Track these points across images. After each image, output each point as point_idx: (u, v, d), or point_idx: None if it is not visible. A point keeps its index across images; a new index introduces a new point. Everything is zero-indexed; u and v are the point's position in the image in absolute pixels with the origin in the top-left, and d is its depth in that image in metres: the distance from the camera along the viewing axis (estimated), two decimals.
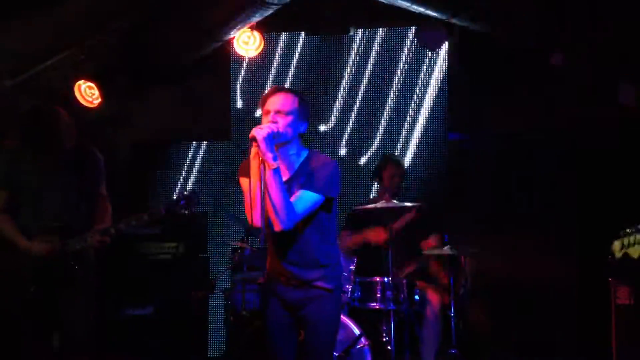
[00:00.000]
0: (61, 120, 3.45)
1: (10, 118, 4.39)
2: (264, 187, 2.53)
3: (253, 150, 2.55)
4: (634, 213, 4.22)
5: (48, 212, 3.37)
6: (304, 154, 2.73)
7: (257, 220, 2.55)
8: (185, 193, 3.33)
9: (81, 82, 4.71)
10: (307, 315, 2.69)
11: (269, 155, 2.52)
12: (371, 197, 4.90)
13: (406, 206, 4.08)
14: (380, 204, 4.01)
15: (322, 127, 5.28)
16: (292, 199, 2.60)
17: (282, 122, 2.63)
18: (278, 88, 2.73)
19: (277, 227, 2.57)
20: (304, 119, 2.71)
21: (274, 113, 2.64)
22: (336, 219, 2.78)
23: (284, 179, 2.65)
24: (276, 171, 2.54)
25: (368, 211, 4.13)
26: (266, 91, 2.74)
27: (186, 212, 3.32)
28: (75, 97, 4.72)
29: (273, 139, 2.56)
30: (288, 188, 2.63)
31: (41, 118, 3.44)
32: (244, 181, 2.66)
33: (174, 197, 3.35)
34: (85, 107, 4.75)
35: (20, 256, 3.31)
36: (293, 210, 2.58)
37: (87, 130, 3.75)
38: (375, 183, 4.86)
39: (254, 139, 2.52)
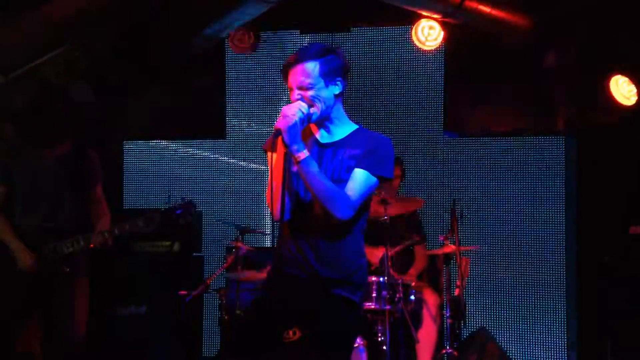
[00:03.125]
0: (57, 118, 3.43)
1: (4, 114, 4.36)
2: (304, 181, 2.22)
3: (270, 139, 2.25)
4: (632, 212, 4.25)
5: (41, 212, 3.35)
6: (354, 126, 2.40)
7: (277, 215, 2.25)
8: (181, 202, 3.32)
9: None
10: (322, 332, 2.27)
11: (294, 147, 2.20)
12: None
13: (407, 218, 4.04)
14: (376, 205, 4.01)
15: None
16: (349, 180, 2.25)
17: (308, 97, 2.28)
18: (294, 60, 2.32)
19: (335, 219, 2.21)
20: (334, 77, 2.32)
21: (297, 90, 2.30)
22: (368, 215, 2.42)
23: (328, 141, 2.34)
24: (306, 161, 2.20)
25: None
26: (285, 63, 2.37)
27: (182, 221, 3.31)
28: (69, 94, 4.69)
29: (302, 124, 2.25)
30: (332, 153, 2.31)
31: (37, 115, 3.42)
32: (268, 157, 2.32)
33: (171, 206, 3.32)
34: (80, 105, 4.71)
35: (11, 256, 3.28)
36: (345, 196, 2.22)
37: (81, 128, 3.73)
38: None
39: (279, 132, 2.20)
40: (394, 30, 5.17)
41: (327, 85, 2.31)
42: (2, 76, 4.45)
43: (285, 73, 2.34)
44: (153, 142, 5.44)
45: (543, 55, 4.70)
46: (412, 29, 4.90)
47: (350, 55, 5.24)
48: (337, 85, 2.34)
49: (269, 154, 2.31)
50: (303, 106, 2.28)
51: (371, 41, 5.21)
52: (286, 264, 2.34)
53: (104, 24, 4.48)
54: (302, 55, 2.32)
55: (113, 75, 4.87)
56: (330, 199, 2.21)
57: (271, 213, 2.31)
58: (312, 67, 2.30)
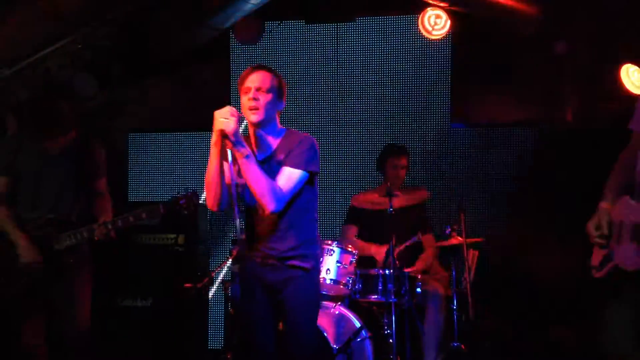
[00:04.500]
0: (61, 110, 3.41)
1: (7, 107, 4.36)
2: (243, 175, 2.53)
3: (214, 137, 2.54)
4: None
5: (45, 203, 3.34)
6: (282, 132, 2.73)
7: (211, 204, 2.64)
8: (184, 193, 3.30)
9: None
10: (286, 299, 2.66)
11: (237, 144, 2.51)
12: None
13: (413, 209, 4.02)
14: (380, 198, 3.98)
15: (321, 115, 5.22)
16: (277, 178, 2.60)
17: (263, 100, 2.63)
18: (256, 66, 2.72)
19: (268, 210, 2.57)
20: (282, 96, 2.72)
21: (255, 90, 2.63)
22: (317, 197, 2.78)
23: (262, 158, 2.67)
24: (249, 156, 2.53)
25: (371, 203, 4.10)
26: (244, 71, 2.73)
27: (186, 212, 3.30)
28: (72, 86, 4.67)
29: (239, 127, 2.53)
30: (268, 167, 2.62)
31: (41, 108, 3.41)
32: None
33: (175, 196, 3.30)
34: (84, 97, 4.69)
35: (14, 247, 3.28)
36: (280, 190, 2.57)
37: (85, 119, 3.71)
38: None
39: (223, 133, 2.51)
40: (400, 20, 5.11)
41: (277, 99, 2.68)
42: (5, 69, 4.44)
43: (245, 75, 2.67)
44: (157, 134, 5.42)
45: (552, 44, 4.63)
46: (418, 17, 4.85)
47: (356, 45, 5.19)
48: (282, 103, 2.73)
49: (215, 149, 2.60)
50: (234, 110, 2.53)
51: (377, 30, 5.16)
52: (250, 256, 2.71)
53: (106, 15, 4.45)
54: (265, 66, 2.72)
55: (117, 66, 4.85)
56: (267, 193, 2.54)
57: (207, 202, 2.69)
58: (272, 78, 2.68)
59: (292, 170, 2.61)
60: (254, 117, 2.64)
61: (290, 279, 2.66)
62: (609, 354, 2.59)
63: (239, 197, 2.61)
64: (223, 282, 4.54)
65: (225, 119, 2.51)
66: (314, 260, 2.74)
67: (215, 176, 2.60)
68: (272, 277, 2.68)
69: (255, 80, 2.65)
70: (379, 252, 4.10)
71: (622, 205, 2.63)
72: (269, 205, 2.55)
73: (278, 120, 2.74)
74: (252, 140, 2.71)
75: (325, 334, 3.73)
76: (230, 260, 4.53)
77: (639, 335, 2.52)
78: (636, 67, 4.11)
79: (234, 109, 2.53)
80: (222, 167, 2.60)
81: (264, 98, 2.64)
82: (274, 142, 2.71)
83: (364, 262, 4.13)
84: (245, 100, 2.65)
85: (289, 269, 2.67)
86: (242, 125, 2.64)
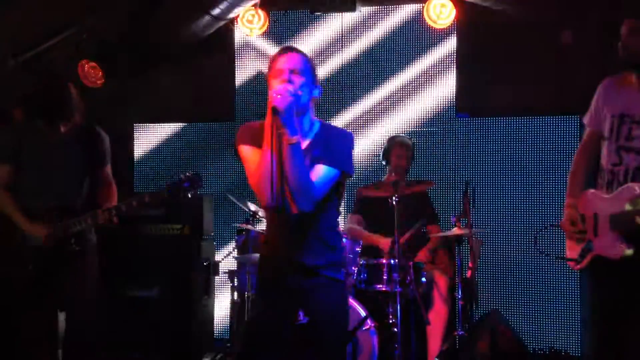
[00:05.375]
0: (72, 93, 3.42)
1: (13, 98, 4.36)
2: (283, 164, 2.23)
3: (268, 118, 2.22)
4: None
5: (51, 191, 3.35)
6: (317, 124, 2.45)
7: (270, 200, 2.28)
8: (188, 175, 3.28)
9: (84, 62, 4.66)
10: (314, 309, 2.40)
11: (290, 128, 2.21)
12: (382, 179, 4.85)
13: (418, 197, 4.01)
14: (387, 187, 3.97)
15: (328, 106, 5.21)
16: (311, 174, 2.31)
17: (298, 81, 2.32)
18: (287, 47, 2.41)
19: (296, 209, 2.29)
20: (316, 81, 2.43)
21: (289, 72, 2.33)
22: (341, 202, 2.58)
23: None
24: (297, 147, 2.23)
25: (378, 197, 4.10)
26: (272, 54, 2.42)
27: (189, 194, 3.27)
28: (78, 77, 4.68)
29: (294, 108, 2.23)
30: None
31: (52, 90, 3.40)
32: (248, 151, 2.38)
33: (177, 179, 3.28)
34: (89, 87, 4.71)
35: (19, 234, 3.29)
36: (314, 189, 2.29)
37: (90, 110, 3.71)
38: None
39: (275, 110, 2.19)
40: (405, 9, 5.09)
41: (312, 81, 2.40)
42: (10, 59, 4.45)
43: (277, 56, 2.38)
44: (163, 125, 5.42)
45: (559, 33, 4.60)
46: (423, 7, 4.83)
47: (361, 35, 5.17)
48: (317, 89, 2.43)
49: (245, 147, 2.37)
50: (290, 88, 2.27)
51: (382, 20, 5.13)
52: (273, 255, 2.46)
53: (112, 5, 4.45)
54: (297, 48, 2.42)
55: (122, 57, 4.85)
56: (303, 190, 2.27)
57: (261, 201, 2.36)
58: (306, 61, 2.40)
59: (328, 169, 2.34)
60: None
61: (320, 287, 2.41)
62: (599, 330, 2.72)
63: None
64: (228, 272, 4.55)
65: (280, 94, 2.21)
66: (344, 267, 2.52)
67: (269, 167, 2.24)
68: (299, 285, 2.41)
69: (287, 61, 2.34)
70: (385, 242, 4.10)
71: (591, 198, 2.76)
72: (301, 203, 2.27)
73: (313, 109, 2.44)
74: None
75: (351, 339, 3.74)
76: (235, 250, 4.54)
77: (624, 312, 2.66)
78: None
79: (292, 87, 2.25)
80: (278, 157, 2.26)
81: (299, 80, 2.33)
82: (308, 134, 2.42)
83: (370, 251, 4.13)
84: (276, 85, 2.31)
85: (320, 277, 2.42)
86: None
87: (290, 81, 2.31)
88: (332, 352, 2.44)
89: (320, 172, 2.34)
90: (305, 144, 2.39)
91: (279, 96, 2.21)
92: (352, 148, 2.43)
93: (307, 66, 2.39)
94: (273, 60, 2.40)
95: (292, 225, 2.39)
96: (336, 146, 2.38)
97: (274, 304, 2.44)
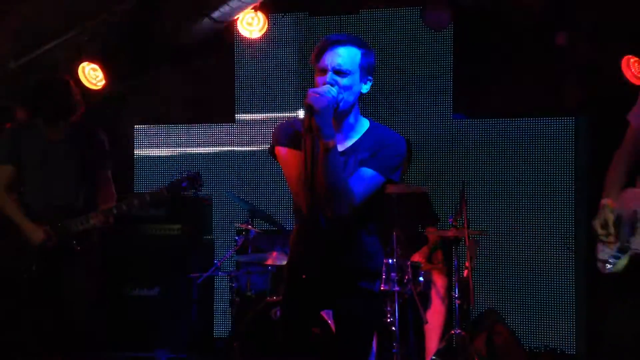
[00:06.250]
0: (73, 90, 3.45)
1: (14, 99, 4.39)
2: (318, 168, 2.05)
3: (306, 120, 2.03)
4: None
5: (51, 191, 3.38)
6: (366, 123, 2.27)
7: (310, 206, 2.10)
8: (188, 174, 3.32)
9: (85, 64, 4.69)
10: (342, 318, 2.27)
11: (326, 131, 2.02)
12: None
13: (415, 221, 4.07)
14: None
15: None
16: (353, 177, 2.14)
17: (343, 84, 2.13)
18: (337, 40, 2.17)
19: (331, 214, 2.11)
20: (368, 75, 2.21)
21: (332, 72, 2.13)
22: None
23: (340, 149, 2.17)
24: (333, 151, 2.05)
25: None
26: (320, 42, 2.19)
27: (189, 193, 3.31)
28: (78, 79, 4.71)
29: (332, 109, 2.06)
30: (344, 161, 2.16)
31: (54, 87, 3.43)
32: (285, 153, 2.19)
33: (177, 178, 3.32)
34: (89, 89, 4.74)
35: (22, 235, 3.32)
36: (353, 194, 2.10)
37: (91, 111, 3.75)
38: None
39: (310, 109, 2.01)
40: (403, 11, 5.13)
41: (361, 79, 2.20)
42: (12, 61, 4.48)
43: (322, 50, 2.16)
44: (163, 126, 5.46)
45: (554, 35, 4.65)
46: (421, 9, 4.88)
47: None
48: (368, 83, 2.23)
49: (282, 149, 2.19)
50: (333, 90, 2.10)
51: (380, 23, 5.18)
52: (306, 263, 2.26)
53: (113, 6, 4.48)
54: (346, 39, 2.17)
55: (123, 59, 4.88)
56: (339, 194, 2.08)
57: (301, 207, 2.17)
58: (355, 54, 2.16)
59: (373, 174, 2.15)
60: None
61: (354, 298, 2.25)
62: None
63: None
64: (228, 272, 4.59)
65: (318, 94, 2.04)
66: (380, 279, 2.33)
67: (309, 175, 2.04)
68: (330, 295, 2.26)
69: (334, 58, 2.13)
70: None
71: (633, 196, 2.61)
72: (337, 208, 2.09)
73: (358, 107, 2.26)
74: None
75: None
76: (236, 249, 4.58)
77: None
78: (637, 59, 4.13)
79: (333, 88, 2.08)
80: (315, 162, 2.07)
81: (344, 81, 2.13)
82: (353, 134, 2.23)
83: None
84: (320, 84, 2.15)
85: (354, 289, 2.25)
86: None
87: (332, 83, 2.13)
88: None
89: (364, 176, 2.15)
90: (350, 143, 2.23)
91: (317, 95, 2.04)
92: (404, 155, 2.24)
93: (356, 61, 2.15)
94: (319, 53, 2.17)
95: (329, 230, 2.20)
96: (386, 151, 2.19)
97: (300, 307, 2.29)
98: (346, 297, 2.25)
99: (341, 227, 2.20)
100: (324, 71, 2.16)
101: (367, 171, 2.16)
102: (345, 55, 2.15)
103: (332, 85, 2.12)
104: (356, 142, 2.24)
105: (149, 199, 3.33)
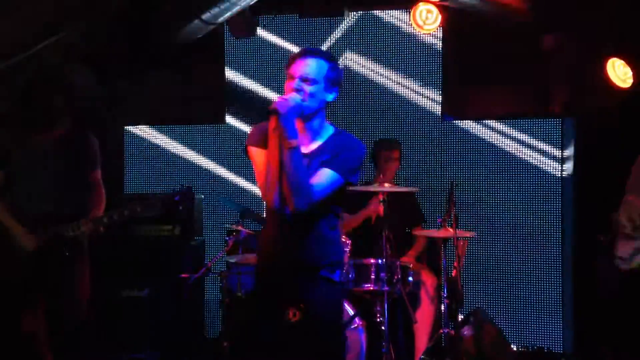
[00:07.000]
0: (56, 96, 3.45)
1: (4, 101, 4.38)
2: (284, 164, 2.30)
3: (272, 122, 2.29)
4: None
5: (41, 196, 3.38)
6: (330, 129, 2.50)
7: (274, 201, 2.35)
8: (180, 189, 3.37)
9: (75, 65, 4.66)
10: (308, 307, 2.44)
11: (289, 132, 2.27)
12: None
13: (403, 222, 4.13)
14: (376, 187, 4.05)
15: None
16: (314, 177, 2.38)
17: (308, 91, 2.38)
18: (307, 51, 2.43)
19: (292, 208, 2.34)
20: (333, 86, 2.44)
21: (299, 80, 2.38)
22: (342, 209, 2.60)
23: (305, 152, 2.41)
24: (296, 150, 2.30)
25: (365, 193, 4.18)
26: (294, 52, 2.48)
27: (181, 207, 3.36)
28: (69, 80, 4.69)
29: (295, 114, 2.31)
30: (308, 162, 2.40)
31: (38, 98, 3.43)
32: (255, 152, 2.45)
33: (170, 193, 3.38)
34: (82, 88, 4.72)
35: (11, 240, 3.33)
36: (312, 191, 2.34)
37: (81, 113, 3.75)
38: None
39: (275, 112, 2.26)
40: (392, 14, 5.17)
41: (325, 89, 2.42)
42: (2, 62, 4.46)
43: (294, 59, 2.41)
44: (153, 127, 5.46)
45: (541, 38, 4.70)
46: (410, 12, 4.92)
47: (348, 39, 5.25)
48: (333, 93, 2.45)
49: (252, 148, 2.43)
50: (298, 98, 2.34)
51: (369, 25, 5.22)
52: (272, 254, 2.49)
53: (103, 7, 4.48)
54: (316, 51, 2.43)
55: (113, 60, 4.88)
56: (300, 190, 2.32)
57: (266, 201, 2.41)
58: (323, 66, 2.40)
59: (333, 175, 2.39)
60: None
61: (317, 288, 2.45)
62: None
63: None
64: (219, 272, 4.59)
65: (284, 99, 2.30)
66: (341, 269, 2.54)
67: (274, 170, 2.31)
68: (296, 285, 2.45)
69: (302, 67, 2.38)
70: (373, 207, 4.20)
71: None
72: (296, 202, 2.32)
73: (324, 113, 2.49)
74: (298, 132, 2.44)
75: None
76: (226, 250, 4.59)
77: None
78: (622, 61, 4.20)
79: (297, 96, 2.33)
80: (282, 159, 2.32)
81: (309, 89, 2.37)
82: (318, 138, 2.47)
83: (358, 252, 4.21)
84: (288, 89, 2.40)
85: (317, 279, 2.46)
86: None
87: (299, 89, 2.38)
88: (327, 350, 2.47)
89: (324, 175, 2.39)
90: (314, 146, 2.47)
91: (283, 100, 2.29)
92: (362, 160, 2.47)
93: (322, 72, 2.40)
94: (291, 61, 2.43)
95: (292, 224, 2.42)
96: (346, 154, 2.41)
97: (269, 303, 2.49)
98: (309, 286, 2.45)
99: (305, 221, 2.42)
100: (292, 77, 2.40)
101: (328, 171, 2.39)
102: (313, 66, 2.39)
103: (298, 90, 2.37)
104: (320, 145, 2.46)
105: (140, 210, 3.36)
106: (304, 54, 2.41)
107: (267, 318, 2.49)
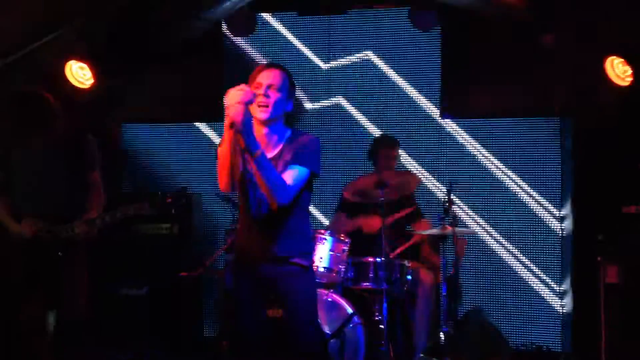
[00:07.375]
0: (49, 106, 3.44)
1: (3, 98, 4.37)
2: (253, 174, 2.56)
3: (226, 121, 2.48)
4: (626, 192, 4.28)
5: (38, 198, 3.38)
6: (288, 132, 2.77)
7: (225, 186, 2.62)
8: (172, 191, 3.39)
9: (72, 62, 4.67)
10: (284, 293, 2.71)
11: (252, 146, 2.49)
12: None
13: (402, 199, 4.08)
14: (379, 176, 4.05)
15: (314, 107, 5.28)
16: (284, 175, 2.63)
17: (273, 97, 2.66)
18: (270, 63, 2.76)
19: (275, 205, 2.60)
20: (291, 97, 2.76)
21: (266, 87, 2.66)
22: (310, 197, 2.84)
23: (270, 155, 2.67)
24: (262, 156, 2.53)
25: (362, 195, 4.18)
26: (257, 67, 2.76)
27: (173, 209, 3.38)
28: (66, 78, 4.69)
29: (251, 121, 2.50)
30: (274, 165, 2.65)
31: (29, 104, 3.43)
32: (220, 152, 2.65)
33: (163, 193, 3.42)
34: (78, 87, 4.72)
35: (10, 239, 3.33)
36: (287, 187, 2.61)
37: (79, 111, 3.74)
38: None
39: (234, 125, 2.46)
40: (391, 12, 5.17)
41: (287, 99, 2.72)
42: (0, 60, 4.46)
43: (259, 70, 2.70)
44: (152, 125, 5.45)
45: (540, 36, 4.70)
46: (409, 10, 4.91)
47: (348, 37, 5.25)
48: (290, 103, 2.75)
49: (227, 134, 2.55)
50: (248, 93, 2.49)
51: (369, 23, 5.21)
52: (248, 250, 2.75)
53: (102, 6, 4.47)
54: (280, 65, 2.75)
55: (111, 58, 4.87)
56: (277, 189, 2.57)
57: (220, 186, 2.67)
58: (285, 77, 2.72)
59: (299, 168, 2.65)
60: (262, 115, 2.65)
61: (290, 274, 2.71)
62: None
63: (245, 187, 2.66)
64: (217, 271, 4.60)
65: (237, 103, 2.47)
66: (311, 257, 2.80)
67: (226, 162, 2.58)
68: (270, 272, 2.72)
69: (267, 77, 2.68)
70: (369, 223, 4.20)
71: None
72: (279, 199, 2.58)
73: (283, 120, 2.77)
74: (258, 138, 2.66)
75: (319, 320, 3.81)
76: (224, 249, 4.59)
77: None
78: (620, 59, 4.20)
79: (245, 86, 2.50)
80: (234, 153, 2.57)
81: (275, 96, 2.66)
82: (280, 141, 2.74)
83: (357, 250, 4.21)
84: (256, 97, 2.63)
85: (289, 265, 2.72)
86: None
87: (266, 95, 2.65)
88: (304, 334, 2.72)
89: (293, 172, 2.65)
90: (278, 149, 2.72)
91: (234, 107, 2.45)
92: (319, 150, 2.73)
93: (286, 83, 2.71)
94: (256, 73, 2.71)
95: (266, 219, 2.69)
96: (305, 149, 2.68)
97: (249, 295, 2.74)
98: (282, 273, 2.71)
99: (276, 217, 2.67)
100: (258, 86, 2.67)
101: (294, 167, 2.66)
102: (277, 77, 2.70)
103: (266, 96, 2.65)
104: (282, 148, 2.73)
105: (132, 212, 3.38)
106: (269, 65, 2.73)
107: (249, 315, 2.74)
